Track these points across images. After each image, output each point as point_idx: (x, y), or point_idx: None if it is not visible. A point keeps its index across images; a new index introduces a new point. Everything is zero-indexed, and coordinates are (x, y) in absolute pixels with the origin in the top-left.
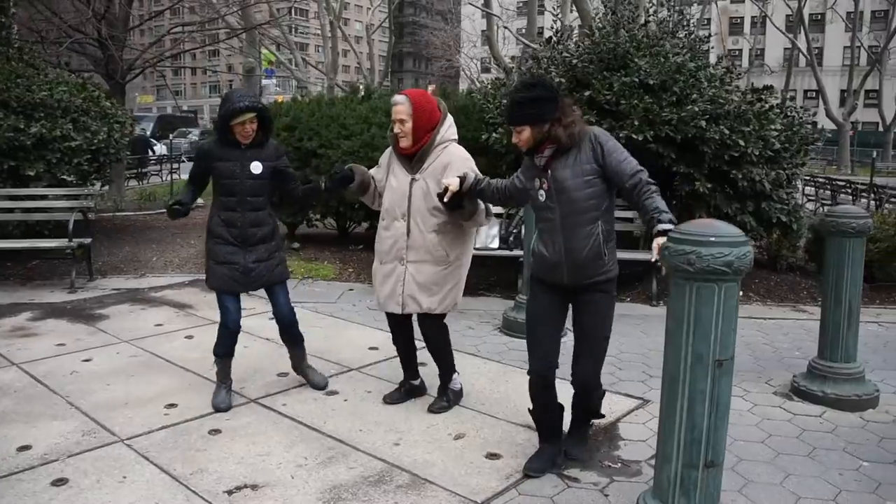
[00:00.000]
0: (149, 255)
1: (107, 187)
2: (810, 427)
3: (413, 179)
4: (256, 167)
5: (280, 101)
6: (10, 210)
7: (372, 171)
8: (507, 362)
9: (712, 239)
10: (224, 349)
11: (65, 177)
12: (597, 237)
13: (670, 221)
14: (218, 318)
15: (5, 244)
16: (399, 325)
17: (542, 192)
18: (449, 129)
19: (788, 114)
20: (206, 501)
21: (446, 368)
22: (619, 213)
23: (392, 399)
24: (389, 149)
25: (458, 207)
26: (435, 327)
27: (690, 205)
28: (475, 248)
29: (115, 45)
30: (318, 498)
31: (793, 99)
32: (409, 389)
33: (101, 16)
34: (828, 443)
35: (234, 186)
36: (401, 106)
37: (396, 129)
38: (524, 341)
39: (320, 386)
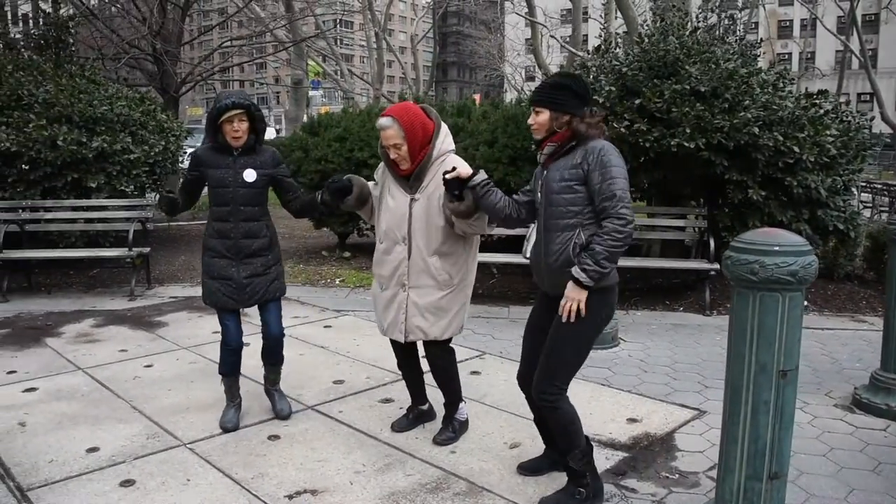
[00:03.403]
0: None
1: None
2: (874, 441)
3: (413, 199)
4: (250, 175)
5: (325, 111)
6: (73, 220)
7: (370, 185)
8: None
9: (776, 248)
10: (228, 367)
11: (124, 188)
12: (571, 245)
13: (591, 274)
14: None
15: (69, 253)
16: (403, 351)
17: (539, 192)
18: (445, 139)
19: (844, 118)
20: None
21: (453, 397)
22: (670, 222)
23: (400, 426)
24: (383, 163)
25: (458, 199)
26: (441, 354)
27: (744, 213)
28: (526, 258)
29: (170, 59)
30: None
31: (847, 103)
32: (417, 415)
33: (157, 32)
34: (893, 457)
35: (226, 195)
36: (390, 130)
37: (393, 156)
38: None
39: (284, 414)
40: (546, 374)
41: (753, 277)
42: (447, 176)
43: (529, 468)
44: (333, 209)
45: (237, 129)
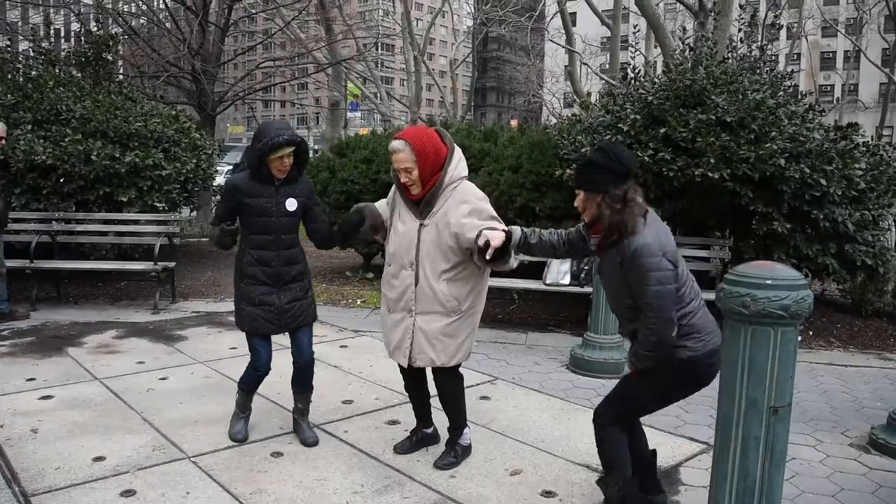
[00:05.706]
0: (229, 280)
1: (194, 214)
2: (887, 483)
3: (422, 225)
4: (292, 204)
5: (364, 132)
6: (104, 233)
7: (379, 205)
8: (571, 400)
9: (768, 282)
10: (250, 387)
11: (155, 203)
12: (637, 331)
13: (633, 362)
14: (288, 343)
15: (97, 265)
16: (410, 375)
17: (600, 278)
18: (458, 165)
19: (876, 152)
20: None
21: (457, 423)
22: (693, 252)
23: (402, 448)
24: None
25: (500, 259)
26: (449, 380)
27: (769, 245)
28: (546, 284)
29: (207, 78)
30: None
31: (880, 137)
32: (421, 438)
33: (196, 52)
34: None
35: (269, 224)
36: (402, 154)
37: (403, 179)
38: (590, 379)
39: (309, 443)
40: (606, 401)
41: (745, 311)
42: (488, 256)
43: None
44: (352, 239)
45: (285, 164)
